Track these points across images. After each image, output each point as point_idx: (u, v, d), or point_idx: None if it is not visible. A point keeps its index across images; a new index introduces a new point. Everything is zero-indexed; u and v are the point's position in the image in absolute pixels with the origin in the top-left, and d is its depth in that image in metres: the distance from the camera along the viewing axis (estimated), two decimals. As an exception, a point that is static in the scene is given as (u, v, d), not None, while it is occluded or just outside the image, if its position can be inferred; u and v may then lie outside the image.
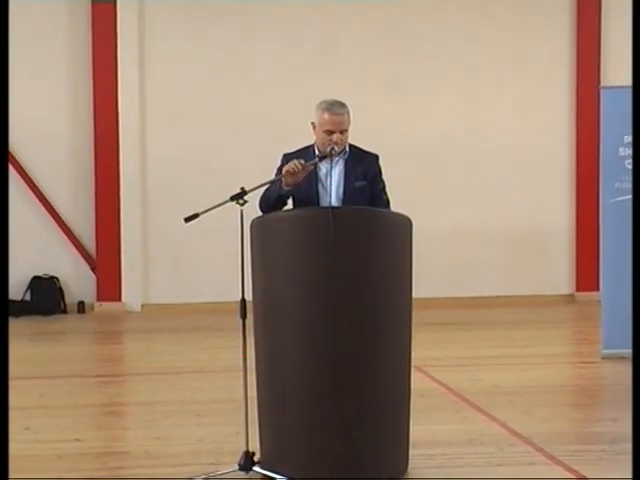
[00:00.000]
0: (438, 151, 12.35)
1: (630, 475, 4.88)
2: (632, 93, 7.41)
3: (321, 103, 5.57)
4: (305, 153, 5.60)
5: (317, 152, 5.56)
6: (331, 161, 5.51)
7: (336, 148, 5.53)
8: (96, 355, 9.91)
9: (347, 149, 5.64)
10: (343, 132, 5.54)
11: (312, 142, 5.64)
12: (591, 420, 6.83)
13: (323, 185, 5.59)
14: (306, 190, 5.55)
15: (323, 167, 5.58)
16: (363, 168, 5.62)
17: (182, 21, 12.09)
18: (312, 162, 5.51)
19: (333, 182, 5.57)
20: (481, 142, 12.43)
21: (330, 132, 5.51)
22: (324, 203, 5.53)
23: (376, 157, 5.71)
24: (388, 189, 5.72)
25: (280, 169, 5.61)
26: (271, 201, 5.58)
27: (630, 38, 8.38)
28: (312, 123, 5.59)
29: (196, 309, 11.86)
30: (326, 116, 5.52)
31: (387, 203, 5.66)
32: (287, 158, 5.62)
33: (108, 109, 11.94)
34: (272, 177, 5.58)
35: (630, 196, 8.29)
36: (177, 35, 12.11)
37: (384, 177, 5.71)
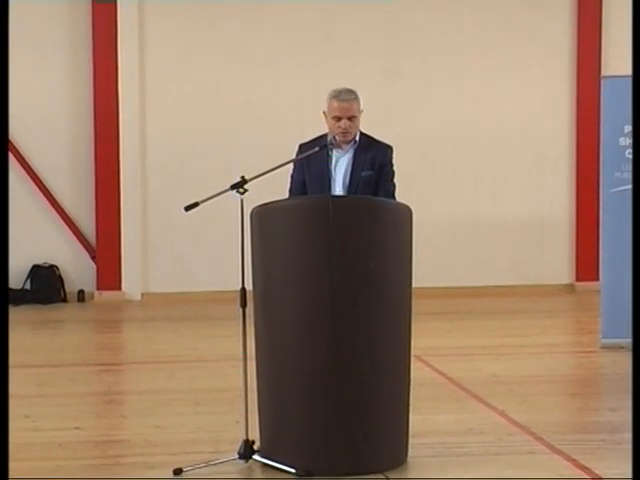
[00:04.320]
0: (438, 140, 12.35)
1: (629, 463, 4.89)
2: (632, 84, 7.40)
3: (331, 91, 5.62)
4: (319, 142, 5.62)
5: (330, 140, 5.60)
6: (327, 149, 5.53)
7: (337, 138, 5.55)
8: (96, 344, 9.92)
9: (357, 138, 5.65)
10: (352, 119, 5.55)
11: (327, 131, 5.68)
12: (590, 409, 6.84)
13: (332, 173, 5.61)
14: (319, 177, 5.58)
15: (334, 155, 5.61)
16: (371, 158, 5.63)
17: (182, 12, 12.08)
18: (313, 150, 5.52)
19: (340, 171, 5.61)
20: (481, 132, 12.42)
21: (338, 118, 5.54)
22: (333, 191, 5.56)
23: (389, 148, 5.71)
24: (396, 180, 5.73)
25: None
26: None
27: (631, 28, 8.37)
28: (324, 112, 5.63)
29: (196, 298, 11.87)
30: (334, 103, 5.57)
31: (391, 193, 5.66)
32: (302, 148, 5.68)
33: (108, 99, 11.94)
34: (277, 166, 5.59)
35: (630, 186, 8.29)
36: (177, 25, 12.11)
37: (394, 168, 5.72)
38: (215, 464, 5.29)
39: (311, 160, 5.63)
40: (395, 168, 5.74)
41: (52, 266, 12.10)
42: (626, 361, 7.88)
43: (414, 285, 5.39)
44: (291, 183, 5.79)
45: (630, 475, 4.69)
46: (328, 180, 5.59)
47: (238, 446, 5.33)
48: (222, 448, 5.58)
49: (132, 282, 12.16)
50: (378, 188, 5.61)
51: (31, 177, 11.96)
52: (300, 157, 5.66)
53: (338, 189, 5.62)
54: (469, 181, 12.45)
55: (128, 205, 12.05)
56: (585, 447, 5.69)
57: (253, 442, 5.35)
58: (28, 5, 11.48)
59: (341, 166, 5.64)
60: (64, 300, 12.08)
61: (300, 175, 5.73)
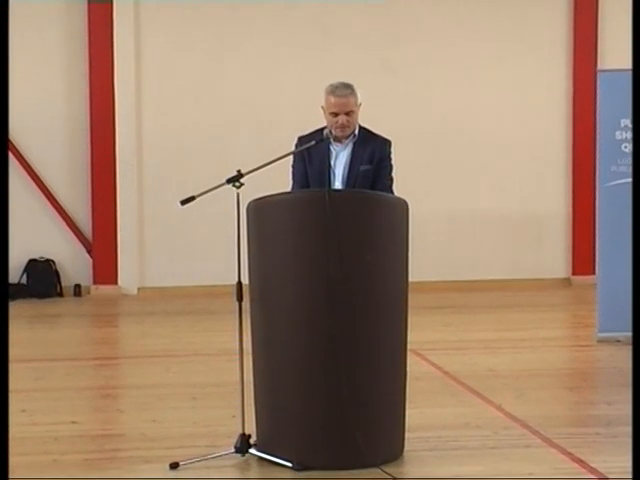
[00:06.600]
0: (434, 135, 12.35)
1: (625, 457, 4.90)
2: (632, 78, 7.39)
3: (328, 86, 5.60)
4: (318, 135, 5.62)
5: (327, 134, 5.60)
6: (327, 144, 5.53)
7: (333, 133, 5.55)
8: (92, 338, 9.92)
9: (356, 132, 5.64)
10: (349, 114, 5.54)
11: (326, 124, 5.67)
12: (586, 403, 6.84)
13: (332, 167, 5.61)
14: (319, 172, 5.58)
15: (333, 149, 5.61)
16: (370, 152, 5.62)
17: (177, 10, 12.07)
18: (310, 144, 5.52)
19: (340, 165, 5.62)
20: (478, 126, 12.42)
21: (335, 114, 5.53)
22: (333, 185, 5.56)
23: (387, 142, 5.70)
24: (394, 174, 5.72)
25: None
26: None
27: (628, 22, 8.37)
28: (322, 107, 5.62)
29: (192, 292, 11.87)
30: (331, 99, 5.55)
31: (388, 187, 5.65)
32: (301, 140, 5.68)
33: (104, 96, 11.95)
34: (273, 160, 5.58)
35: (626, 180, 8.30)
36: (172, 23, 12.11)
37: (393, 162, 5.71)
38: (212, 458, 5.29)
39: (312, 154, 5.63)
40: (393, 162, 5.74)
41: (48, 260, 12.10)
42: (622, 355, 7.90)
43: (410, 279, 5.39)
44: (293, 173, 5.79)
45: (626, 468, 4.70)
46: (328, 174, 5.59)
47: (235, 440, 5.33)
48: (219, 442, 5.58)
49: (128, 276, 12.16)
50: (375, 182, 5.61)
51: (28, 172, 11.96)
52: (297, 150, 5.65)
53: (338, 183, 5.62)
54: (466, 175, 12.45)
55: (124, 199, 12.05)
56: (581, 440, 5.70)
57: (250, 436, 5.35)
58: (24, 5, 11.46)
59: (341, 160, 5.64)
60: (60, 294, 12.08)
61: (302, 166, 5.72)
